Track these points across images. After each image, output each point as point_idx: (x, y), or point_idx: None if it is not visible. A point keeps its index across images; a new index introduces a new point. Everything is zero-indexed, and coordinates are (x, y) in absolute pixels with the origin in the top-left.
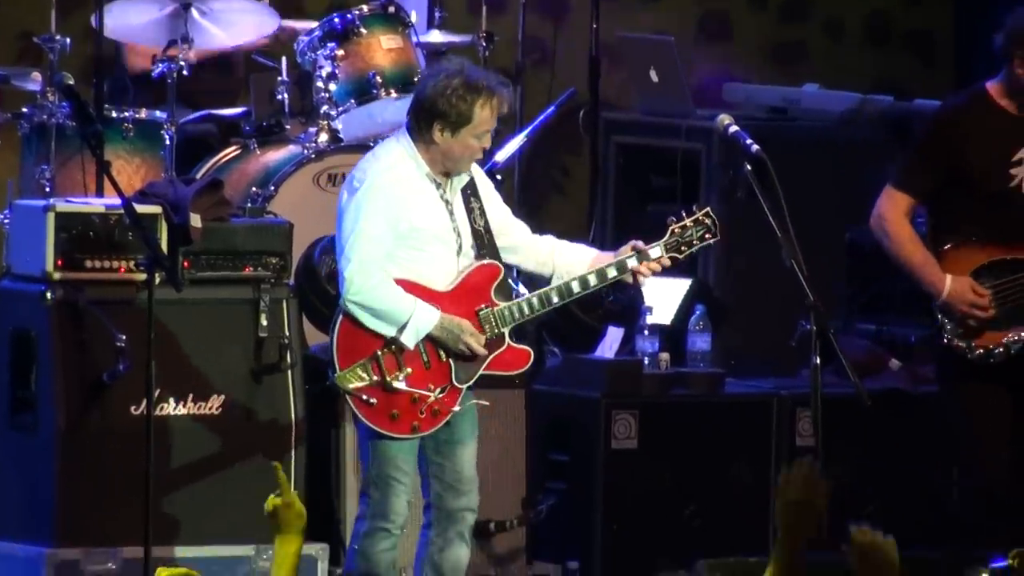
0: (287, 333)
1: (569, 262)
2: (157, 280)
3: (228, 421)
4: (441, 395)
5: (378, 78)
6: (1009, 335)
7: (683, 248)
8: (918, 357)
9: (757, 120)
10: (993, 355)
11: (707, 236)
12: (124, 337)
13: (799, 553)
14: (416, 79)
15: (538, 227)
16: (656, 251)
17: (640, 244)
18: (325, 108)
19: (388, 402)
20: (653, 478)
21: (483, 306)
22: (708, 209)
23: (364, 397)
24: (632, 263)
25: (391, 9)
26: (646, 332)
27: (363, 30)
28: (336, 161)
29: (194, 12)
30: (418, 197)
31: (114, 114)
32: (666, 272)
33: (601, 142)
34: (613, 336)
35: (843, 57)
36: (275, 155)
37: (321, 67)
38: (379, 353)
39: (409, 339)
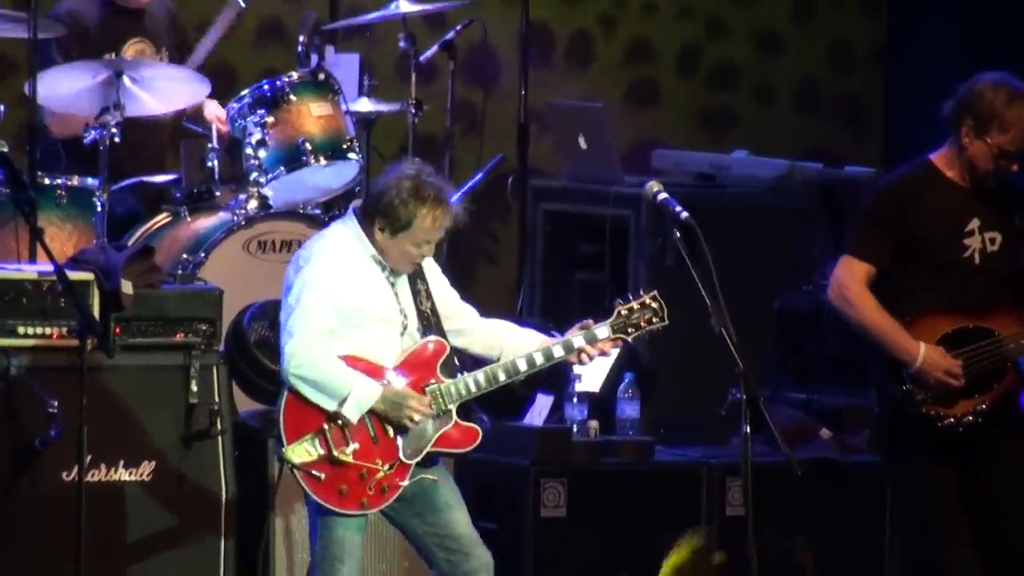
0: (217, 399)
1: (518, 344)
2: (89, 346)
3: (159, 487)
4: (389, 471)
5: (308, 145)
6: (976, 404)
7: (630, 330)
8: (847, 426)
9: (686, 187)
10: (963, 424)
11: (654, 320)
12: (56, 403)
13: None
14: (344, 146)
15: (467, 293)
16: (603, 331)
17: (589, 323)
18: (255, 175)
19: (336, 477)
20: (583, 547)
21: (430, 382)
22: (655, 293)
23: (312, 472)
24: (579, 342)
25: (320, 76)
26: (575, 399)
27: (292, 97)
28: (266, 228)
29: (126, 80)
30: (362, 278)
31: (47, 181)
32: None
33: (530, 208)
34: (542, 403)
35: (772, 123)
36: (205, 222)
37: (251, 134)
38: (325, 427)
39: (351, 412)
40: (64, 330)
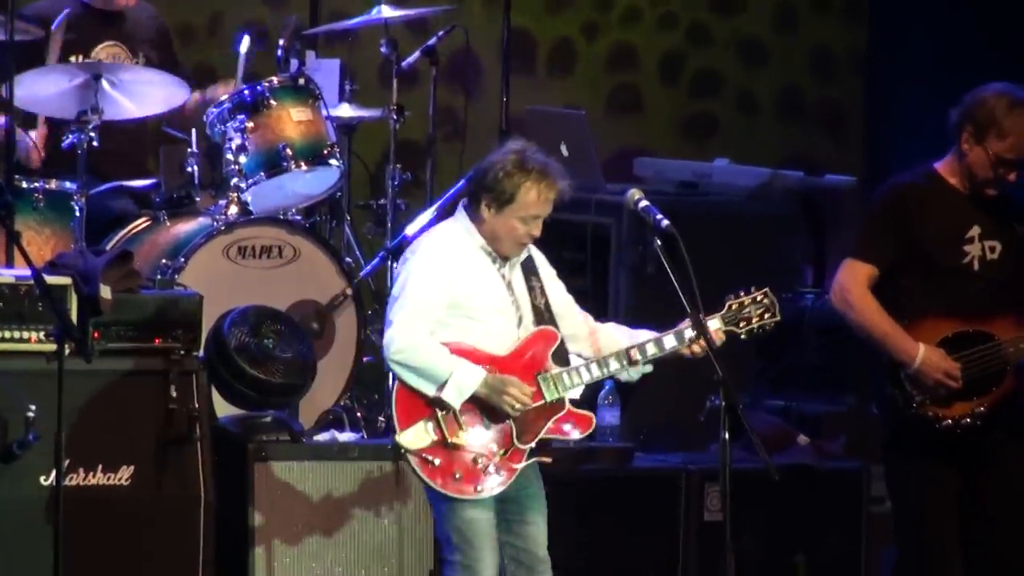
0: (196, 405)
1: (630, 339)
2: (67, 351)
3: (138, 491)
4: (504, 455)
5: (288, 150)
6: (975, 406)
7: (741, 324)
8: (825, 432)
9: (668, 195)
10: (960, 426)
11: (766, 315)
12: (34, 407)
13: None
14: (325, 152)
15: None
16: (714, 323)
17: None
18: (235, 180)
19: (450, 462)
20: (563, 553)
21: (541, 371)
22: (767, 289)
23: (426, 457)
24: (690, 333)
25: (301, 81)
26: None
27: (273, 102)
28: (246, 233)
29: (104, 83)
30: (472, 267)
31: (24, 184)
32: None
33: None
34: None
35: (754, 132)
36: (185, 227)
37: (231, 139)
38: (439, 413)
39: (452, 397)
40: (42, 334)
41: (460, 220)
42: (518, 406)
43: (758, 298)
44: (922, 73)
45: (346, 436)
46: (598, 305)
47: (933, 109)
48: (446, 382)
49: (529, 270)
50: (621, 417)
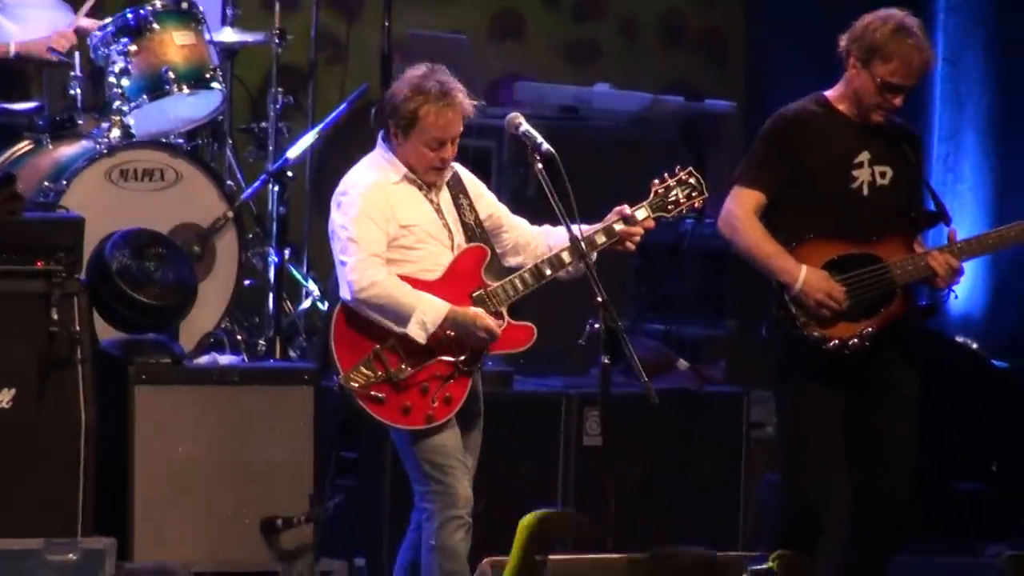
0: (77, 328)
1: (564, 242)
2: None
3: (18, 414)
4: (450, 380)
5: (171, 74)
6: (862, 327)
7: (670, 207)
8: (705, 357)
9: (548, 119)
10: (848, 347)
11: (693, 195)
12: None
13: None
14: (208, 76)
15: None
16: (642, 212)
17: (625, 209)
18: (118, 104)
19: (398, 396)
20: None
21: (476, 289)
22: (691, 168)
23: (373, 394)
24: (619, 227)
25: (184, 5)
26: None
27: (156, 26)
28: (128, 157)
29: None
30: (401, 196)
31: None
32: None
33: None
34: None
35: (636, 57)
36: (67, 150)
37: (114, 62)
38: (379, 348)
39: (417, 332)
40: None
41: (381, 151)
42: (493, 331)
43: (683, 178)
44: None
45: (227, 359)
46: None
47: (813, 36)
48: (412, 318)
49: (456, 189)
50: None
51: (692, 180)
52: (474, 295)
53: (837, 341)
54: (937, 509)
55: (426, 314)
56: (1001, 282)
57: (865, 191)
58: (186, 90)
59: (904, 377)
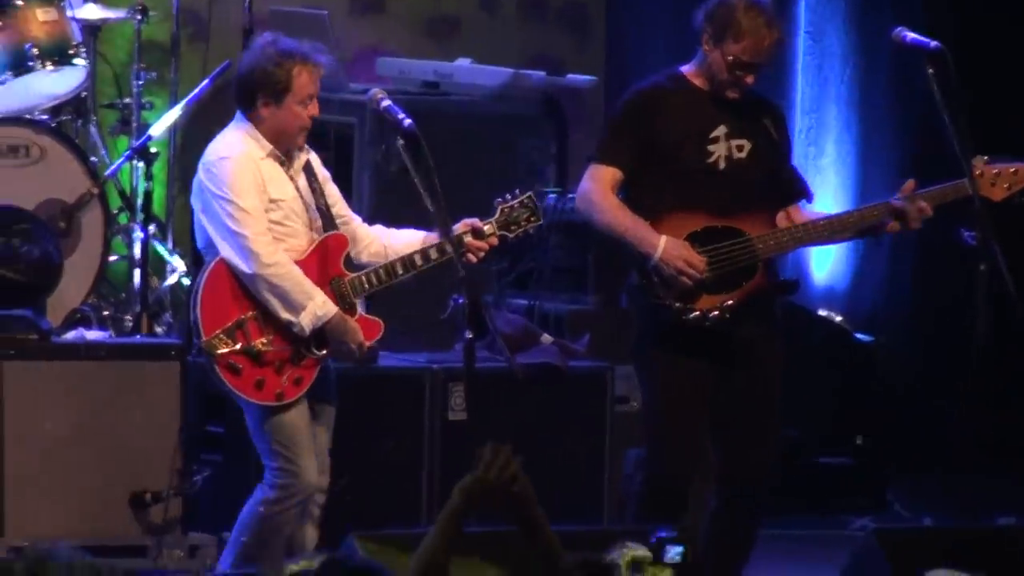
0: None
1: (403, 244)
2: None
3: None
4: (302, 362)
5: (34, 50)
6: (723, 299)
7: (512, 227)
8: (570, 331)
9: (410, 94)
10: (708, 319)
11: (532, 218)
12: None
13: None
14: (71, 52)
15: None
16: (488, 228)
17: (476, 222)
18: None
19: (253, 369)
20: None
21: (335, 276)
22: (531, 193)
23: (231, 363)
24: (468, 239)
25: None
26: None
27: (19, 2)
28: None
29: None
30: (270, 173)
31: None
32: None
33: None
34: None
35: (497, 32)
36: None
37: None
38: (243, 319)
39: (306, 324)
40: None
41: (242, 127)
42: (364, 348)
43: (524, 201)
44: None
45: (94, 335)
46: None
47: (673, 11)
48: (305, 309)
49: (310, 172)
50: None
51: (531, 204)
52: (332, 282)
53: (698, 312)
54: (803, 483)
55: (319, 309)
56: (864, 255)
57: (722, 165)
58: (50, 66)
59: (767, 351)
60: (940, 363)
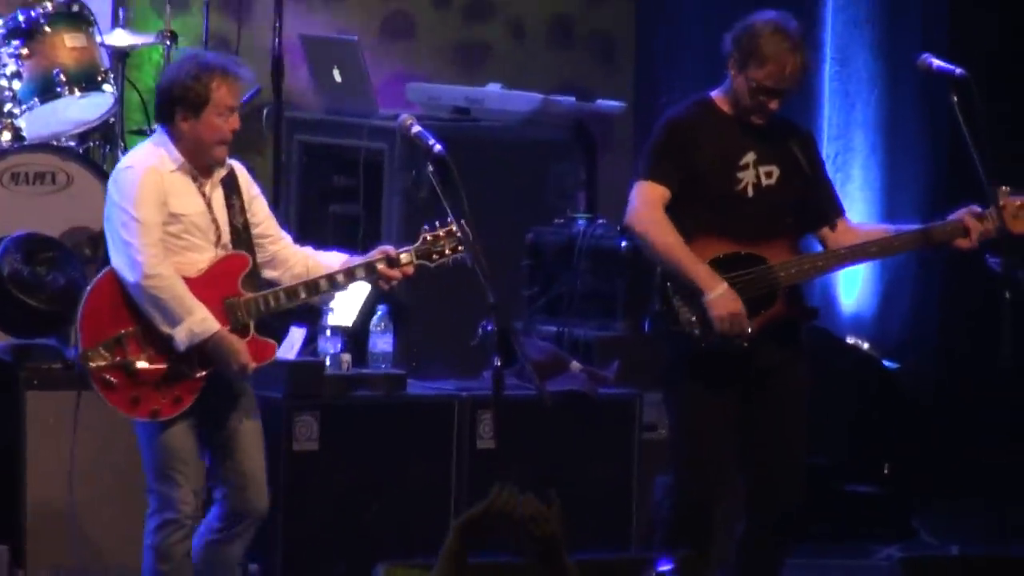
0: None
1: (325, 268)
2: None
3: None
4: (183, 381)
5: (62, 76)
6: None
7: (434, 256)
8: (598, 358)
9: (440, 120)
10: (730, 346)
11: (459, 248)
12: None
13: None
14: (99, 78)
15: None
16: (405, 257)
17: (391, 249)
18: (9, 106)
19: (129, 385)
20: (334, 480)
21: (230, 295)
22: (452, 224)
23: (106, 377)
24: (381, 266)
25: (75, 8)
26: (328, 333)
27: (48, 28)
28: (20, 160)
29: None
30: (176, 186)
31: None
32: None
33: (285, 140)
34: (295, 336)
35: (526, 58)
36: None
37: (5, 65)
38: (123, 334)
39: (182, 339)
40: None
41: (155, 138)
42: (247, 371)
43: (452, 230)
44: (692, 1)
45: None
46: (371, 231)
47: (702, 36)
48: (183, 323)
49: (230, 188)
50: (394, 343)
51: (459, 234)
52: (227, 301)
53: (718, 339)
54: (829, 511)
55: (196, 326)
56: (892, 283)
57: (750, 192)
58: (77, 93)
59: (791, 375)
60: (967, 390)
